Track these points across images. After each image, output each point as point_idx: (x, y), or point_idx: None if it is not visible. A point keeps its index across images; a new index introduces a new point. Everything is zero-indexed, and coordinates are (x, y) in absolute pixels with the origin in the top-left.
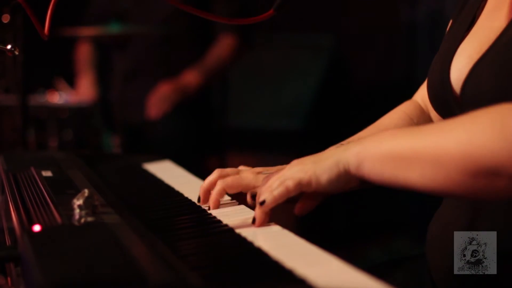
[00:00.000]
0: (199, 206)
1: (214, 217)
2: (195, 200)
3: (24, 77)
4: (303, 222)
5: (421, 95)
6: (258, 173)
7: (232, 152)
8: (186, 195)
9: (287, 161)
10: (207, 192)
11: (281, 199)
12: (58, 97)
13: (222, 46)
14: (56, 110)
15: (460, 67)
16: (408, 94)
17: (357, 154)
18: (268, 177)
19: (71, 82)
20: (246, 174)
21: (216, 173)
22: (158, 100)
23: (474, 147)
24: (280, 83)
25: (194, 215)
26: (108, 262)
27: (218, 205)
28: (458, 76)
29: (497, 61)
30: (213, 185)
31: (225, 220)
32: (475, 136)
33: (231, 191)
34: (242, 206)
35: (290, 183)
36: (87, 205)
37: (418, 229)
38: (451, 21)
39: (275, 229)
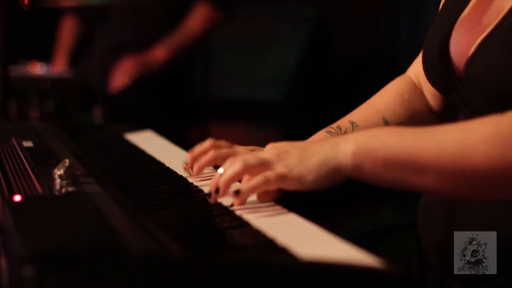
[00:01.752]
0: (181, 176)
1: (196, 186)
2: (176, 170)
3: (5, 48)
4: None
5: (415, 70)
6: (251, 151)
7: (214, 123)
8: (167, 165)
9: (269, 132)
10: (196, 160)
11: (258, 190)
12: (40, 68)
13: (195, 17)
14: (37, 81)
15: (460, 41)
16: (391, 64)
17: (353, 155)
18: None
19: (50, 53)
20: (240, 150)
21: (209, 142)
22: (120, 74)
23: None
24: (263, 54)
25: (176, 185)
26: (89, 232)
27: (201, 172)
28: (458, 50)
29: (508, 40)
30: (204, 154)
31: (207, 190)
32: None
33: (222, 163)
34: None
35: (271, 176)
36: (68, 175)
37: (401, 199)
38: None
39: (254, 198)
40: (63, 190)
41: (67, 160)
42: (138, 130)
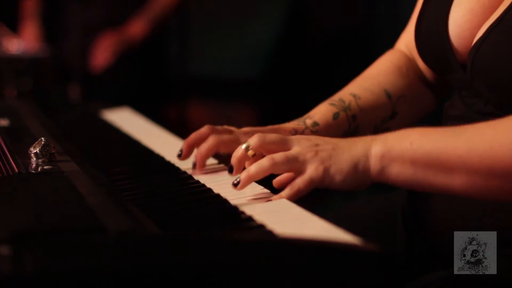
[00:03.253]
0: (158, 154)
1: (173, 164)
2: (153, 147)
3: None
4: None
5: (405, 42)
6: (246, 133)
7: (191, 100)
8: (144, 142)
9: (247, 109)
10: (191, 147)
11: (292, 199)
12: (17, 47)
13: None
14: (14, 60)
15: (460, 23)
16: (368, 41)
17: (381, 157)
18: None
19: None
20: (240, 133)
21: (206, 128)
22: (101, 52)
23: None
24: (240, 31)
25: (152, 162)
26: (65, 210)
27: (204, 163)
28: (459, 33)
29: None
30: (201, 140)
31: (183, 166)
32: None
33: (224, 150)
34: None
35: (301, 186)
36: (44, 154)
37: None
38: None
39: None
40: (39, 168)
41: (43, 138)
42: (115, 107)
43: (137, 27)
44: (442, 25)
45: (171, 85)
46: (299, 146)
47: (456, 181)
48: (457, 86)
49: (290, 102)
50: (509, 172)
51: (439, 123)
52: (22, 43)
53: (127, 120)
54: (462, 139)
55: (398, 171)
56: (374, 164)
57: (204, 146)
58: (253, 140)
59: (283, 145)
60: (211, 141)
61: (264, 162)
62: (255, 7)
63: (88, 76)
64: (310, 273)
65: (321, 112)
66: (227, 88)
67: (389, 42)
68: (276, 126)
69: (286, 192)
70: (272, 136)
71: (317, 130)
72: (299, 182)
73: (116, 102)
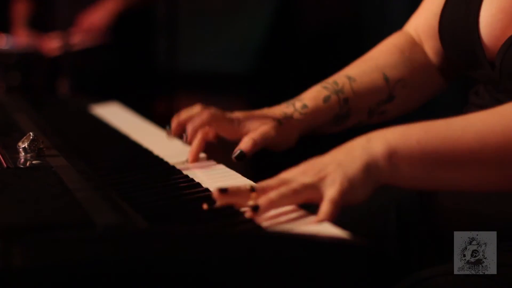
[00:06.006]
0: (146, 149)
1: (162, 159)
2: (142, 142)
3: None
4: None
5: (415, 25)
6: (245, 116)
7: (180, 94)
8: (133, 137)
9: (236, 104)
10: (181, 126)
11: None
12: (5, 42)
13: None
14: (2, 55)
15: (492, 22)
16: (358, 34)
17: (389, 159)
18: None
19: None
20: (234, 115)
21: (198, 107)
22: (101, 10)
23: None
24: (230, 25)
25: (141, 157)
26: (53, 204)
27: (196, 135)
28: (490, 32)
29: None
30: (192, 118)
31: (171, 161)
32: None
33: (217, 127)
34: (189, 147)
35: (328, 211)
36: (32, 148)
37: None
38: None
39: (221, 169)
40: (27, 163)
41: (31, 133)
42: (104, 102)
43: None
44: (472, 23)
45: (160, 79)
46: (307, 176)
47: (468, 176)
48: (482, 81)
49: (280, 96)
50: None
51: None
52: (11, 38)
53: (115, 115)
54: (471, 131)
55: (408, 172)
56: (383, 166)
57: (197, 120)
58: (262, 201)
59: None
60: (205, 114)
61: (283, 189)
62: (244, 1)
63: (76, 70)
64: (298, 267)
65: (312, 94)
66: (216, 82)
67: (379, 36)
68: (265, 110)
69: (319, 217)
70: (276, 191)
71: (305, 112)
72: (326, 208)
73: (105, 97)
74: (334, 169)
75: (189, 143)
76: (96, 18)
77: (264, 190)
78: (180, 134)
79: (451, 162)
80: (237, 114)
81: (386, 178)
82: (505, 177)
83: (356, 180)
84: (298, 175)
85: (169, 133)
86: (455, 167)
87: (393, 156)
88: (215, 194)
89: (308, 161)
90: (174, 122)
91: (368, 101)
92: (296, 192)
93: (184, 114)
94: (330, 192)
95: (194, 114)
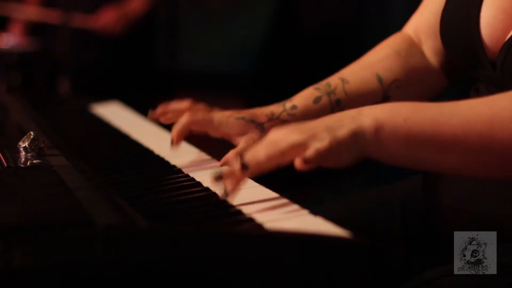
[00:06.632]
0: (147, 148)
1: (162, 158)
2: (142, 141)
3: None
4: None
5: (414, 26)
6: (229, 117)
7: (180, 94)
8: (133, 136)
9: (236, 104)
10: (165, 115)
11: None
12: (6, 42)
13: None
14: (3, 55)
15: (493, 23)
16: (358, 33)
17: (376, 133)
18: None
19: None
20: (217, 115)
21: (187, 103)
22: (106, 17)
23: None
24: (230, 24)
25: (141, 156)
26: (54, 204)
27: (181, 139)
28: (492, 33)
29: None
30: (177, 112)
31: (173, 161)
32: None
33: (196, 128)
34: (190, 146)
35: (311, 156)
36: (33, 148)
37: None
38: None
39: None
40: (28, 162)
41: (32, 133)
42: (105, 101)
43: (137, 2)
44: (473, 23)
45: (161, 78)
46: (294, 135)
47: (451, 160)
48: (483, 80)
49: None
50: (508, 151)
51: None
52: (11, 38)
53: (116, 114)
54: (459, 117)
55: (392, 149)
56: (369, 139)
57: (177, 126)
58: (250, 161)
59: (286, 142)
60: (184, 119)
61: (271, 147)
62: (245, 1)
63: (77, 70)
64: (298, 266)
65: (303, 95)
66: (216, 82)
67: (379, 36)
68: (253, 110)
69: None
70: (264, 150)
71: (294, 113)
72: (310, 153)
73: (105, 96)
74: (322, 130)
75: (174, 144)
76: (111, 20)
77: (252, 152)
78: (160, 121)
79: (435, 144)
80: (221, 114)
81: (371, 151)
82: (486, 165)
83: (343, 143)
84: (287, 133)
85: (151, 114)
86: (438, 150)
87: (379, 131)
88: (212, 181)
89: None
90: (160, 110)
91: (361, 102)
92: (283, 152)
93: (172, 105)
94: (318, 144)
95: (182, 109)
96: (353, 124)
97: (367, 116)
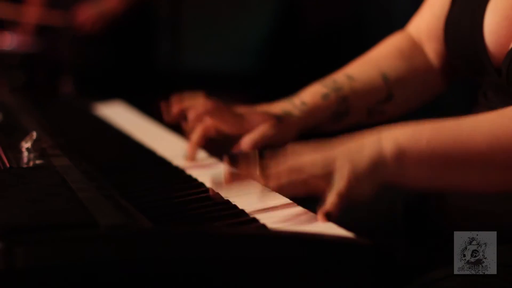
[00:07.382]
0: (149, 149)
1: (164, 159)
2: (145, 141)
3: None
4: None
5: (416, 26)
6: (239, 112)
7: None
8: (136, 136)
9: (239, 104)
10: (181, 112)
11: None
12: (9, 43)
13: None
14: (6, 55)
15: (497, 30)
16: (360, 32)
17: (397, 159)
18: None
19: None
20: (243, 110)
21: (202, 97)
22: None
23: None
24: (232, 24)
25: (144, 157)
26: (56, 204)
27: (202, 143)
28: (496, 40)
29: None
30: (196, 117)
31: (175, 160)
32: None
33: (226, 128)
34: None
35: (335, 200)
36: (36, 148)
37: None
38: None
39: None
40: (31, 163)
41: (34, 133)
42: (108, 101)
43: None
44: (477, 30)
45: (163, 78)
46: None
47: (475, 178)
48: (488, 86)
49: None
50: None
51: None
52: (14, 38)
53: (119, 114)
54: (481, 134)
55: (415, 173)
56: (390, 165)
57: (200, 108)
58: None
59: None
60: (209, 104)
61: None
62: (247, 1)
63: (79, 70)
64: (302, 267)
65: (311, 92)
66: (219, 81)
67: (381, 35)
68: (265, 106)
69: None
70: (287, 177)
71: (304, 109)
72: (328, 204)
73: (108, 96)
74: (343, 164)
75: (189, 130)
76: (90, 15)
77: (275, 176)
78: (178, 120)
79: (459, 163)
80: (239, 109)
81: (393, 177)
82: (509, 180)
83: (363, 177)
84: (308, 165)
85: (167, 115)
86: (462, 169)
87: (401, 156)
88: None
89: (318, 146)
90: (176, 107)
91: (366, 100)
92: (305, 182)
93: (187, 101)
94: (338, 185)
95: (197, 103)
96: (374, 154)
97: (388, 141)
